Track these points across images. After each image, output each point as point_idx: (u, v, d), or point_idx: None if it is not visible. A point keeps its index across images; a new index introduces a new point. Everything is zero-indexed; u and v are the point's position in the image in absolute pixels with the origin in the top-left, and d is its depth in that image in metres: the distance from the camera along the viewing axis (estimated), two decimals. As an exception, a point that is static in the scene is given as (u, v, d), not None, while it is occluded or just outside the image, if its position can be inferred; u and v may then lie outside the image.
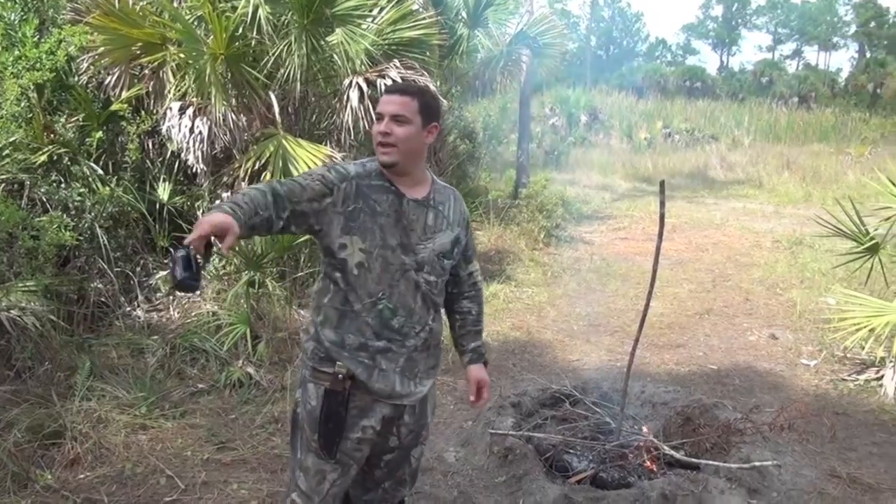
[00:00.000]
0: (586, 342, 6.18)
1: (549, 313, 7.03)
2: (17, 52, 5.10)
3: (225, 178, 5.87)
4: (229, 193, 5.61)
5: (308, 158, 5.63)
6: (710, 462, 3.73)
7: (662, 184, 3.66)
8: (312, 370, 2.35)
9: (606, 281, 8.25)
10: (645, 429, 4.12)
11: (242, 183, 5.56)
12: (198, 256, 1.91)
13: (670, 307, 7.14)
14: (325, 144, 6.10)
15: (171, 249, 1.92)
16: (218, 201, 2.13)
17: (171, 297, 5.58)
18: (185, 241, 1.91)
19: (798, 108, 30.00)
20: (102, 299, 5.23)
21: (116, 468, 3.71)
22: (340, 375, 2.28)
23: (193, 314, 5.32)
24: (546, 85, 24.82)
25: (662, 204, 3.67)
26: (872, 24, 47.87)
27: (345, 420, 2.32)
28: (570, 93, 25.63)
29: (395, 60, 6.25)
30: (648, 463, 3.83)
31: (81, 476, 3.63)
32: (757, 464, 3.69)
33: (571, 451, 3.96)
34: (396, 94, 2.29)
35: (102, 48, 5.72)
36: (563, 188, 12.67)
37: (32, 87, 5.19)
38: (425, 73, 6.42)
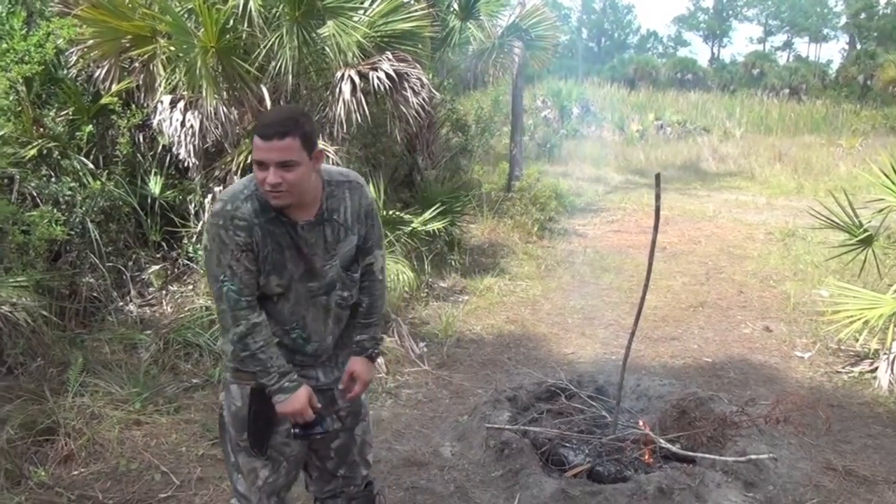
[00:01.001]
0: (581, 335, 6.18)
1: (544, 306, 7.02)
2: (4, 45, 5.03)
3: (217, 172, 5.84)
4: (221, 188, 5.56)
5: (301, 152, 5.59)
6: (707, 455, 3.74)
7: (658, 177, 3.64)
8: (234, 371, 2.34)
9: (600, 274, 8.25)
10: (641, 422, 4.12)
11: (235, 177, 5.52)
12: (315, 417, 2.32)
13: (664, 300, 7.14)
14: (318, 138, 6.04)
15: (296, 434, 2.34)
16: (262, 377, 2.26)
17: (163, 292, 5.54)
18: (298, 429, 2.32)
19: (789, 100, 30.01)
20: (94, 294, 5.19)
21: (111, 464, 3.69)
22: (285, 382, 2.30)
23: (186, 309, 5.28)
24: (538, 77, 24.79)
25: (658, 197, 3.64)
26: (863, 15, 47.86)
27: (272, 416, 2.33)
28: (562, 85, 25.56)
29: (388, 53, 6.21)
30: (645, 456, 3.83)
31: (75, 472, 3.60)
32: (753, 457, 3.69)
33: (568, 444, 3.95)
34: (276, 140, 2.10)
35: (91, 41, 5.66)
36: (556, 181, 12.64)
37: (21, 81, 5.13)
38: (417, 65, 6.38)
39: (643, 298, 3.81)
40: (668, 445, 3.84)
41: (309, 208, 2.28)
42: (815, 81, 33.86)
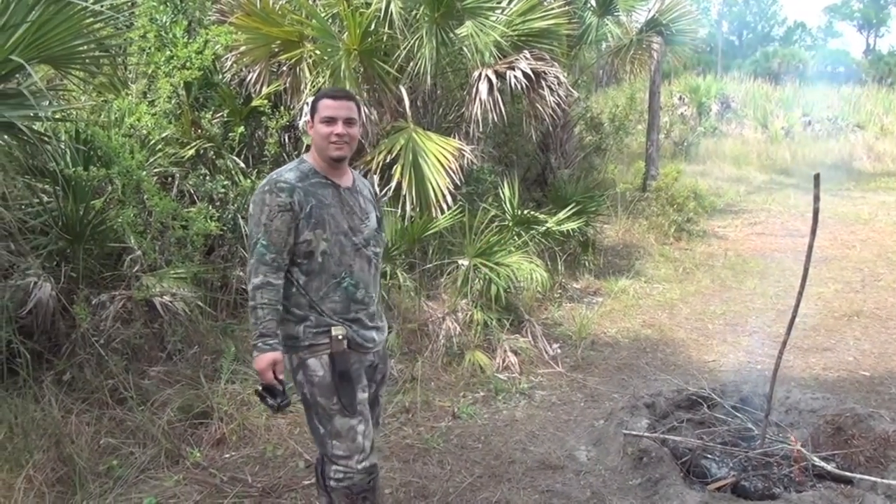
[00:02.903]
0: (723, 342, 5.90)
1: (682, 311, 6.77)
2: (168, 53, 5.40)
3: (357, 171, 6.00)
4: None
5: (437, 151, 5.67)
6: (866, 477, 3.47)
7: (817, 177, 3.41)
8: (308, 348, 2.61)
9: (742, 278, 7.86)
10: (791, 437, 3.88)
11: (374, 176, 5.66)
12: (273, 384, 2.54)
13: (815, 308, 6.70)
14: (454, 137, 6.11)
15: (258, 391, 2.57)
16: (253, 328, 2.53)
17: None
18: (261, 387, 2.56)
19: (957, 93, 27.43)
20: (243, 286, 5.46)
21: (258, 449, 3.88)
22: (340, 336, 2.60)
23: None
24: (675, 73, 23.94)
25: (817, 198, 3.41)
26: None
27: (352, 375, 2.64)
28: (700, 81, 24.56)
29: (525, 51, 6.18)
30: (796, 474, 3.60)
31: (227, 455, 3.82)
32: (921, 481, 3.39)
33: (710, 456, 3.79)
34: (345, 100, 2.65)
35: (244, 47, 5.98)
36: (694, 180, 12.15)
37: (182, 85, 5.48)
38: (555, 63, 6.31)
39: (797, 305, 3.58)
40: (823, 464, 3.60)
41: (345, 177, 2.72)
42: None
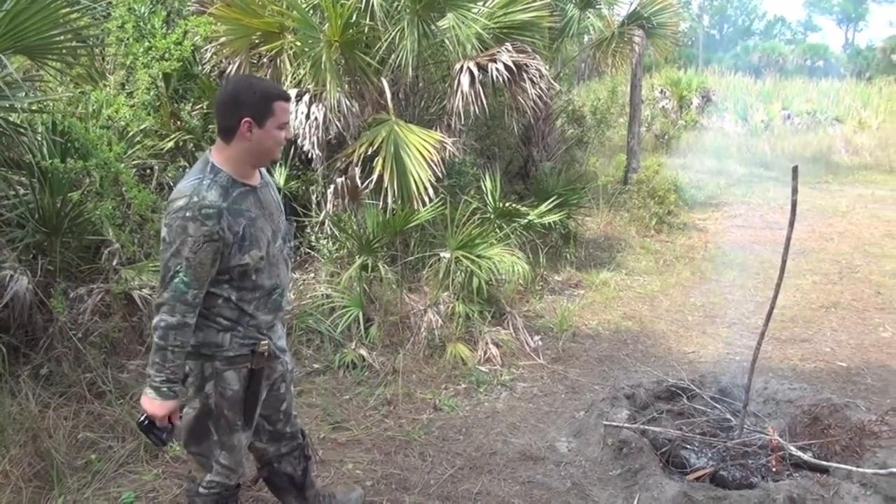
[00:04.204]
0: (702, 334, 5.96)
1: (662, 303, 6.81)
2: (146, 44, 5.34)
3: (338, 164, 5.98)
4: (343, 178, 5.69)
5: (419, 143, 5.66)
6: (842, 465, 3.51)
7: (795, 169, 3.44)
8: (229, 359, 2.47)
9: (722, 270, 7.92)
10: (769, 427, 3.93)
11: (356, 168, 5.64)
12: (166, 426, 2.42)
13: (793, 299, 6.77)
14: (435, 129, 6.10)
15: (143, 424, 2.41)
16: (154, 369, 2.36)
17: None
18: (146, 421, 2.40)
19: (934, 88, 27.75)
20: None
21: (238, 443, 3.85)
22: (265, 352, 2.51)
23: (308, 296, 5.45)
24: (656, 66, 24.02)
25: (795, 191, 3.44)
26: None
27: (259, 390, 2.56)
28: (681, 74, 24.66)
29: (507, 44, 6.17)
30: (773, 463, 3.65)
31: (207, 449, 3.78)
32: (895, 470, 3.44)
33: (689, 446, 3.83)
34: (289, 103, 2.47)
35: (224, 38, 5.93)
36: (675, 173, 12.20)
37: (161, 77, 5.43)
38: (537, 56, 6.31)
39: (775, 296, 3.62)
40: (799, 453, 3.63)
41: (256, 174, 2.50)
42: (964, 67, 31.19)
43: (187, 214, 2.24)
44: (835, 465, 3.53)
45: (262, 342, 2.50)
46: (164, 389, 2.34)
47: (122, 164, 4.52)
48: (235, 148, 2.38)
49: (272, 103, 2.36)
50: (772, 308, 3.66)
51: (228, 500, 2.71)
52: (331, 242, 5.84)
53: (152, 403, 2.35)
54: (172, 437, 2.49)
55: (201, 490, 2.66)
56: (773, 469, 3.63)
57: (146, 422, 2.39)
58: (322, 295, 5.40)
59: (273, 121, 2.36)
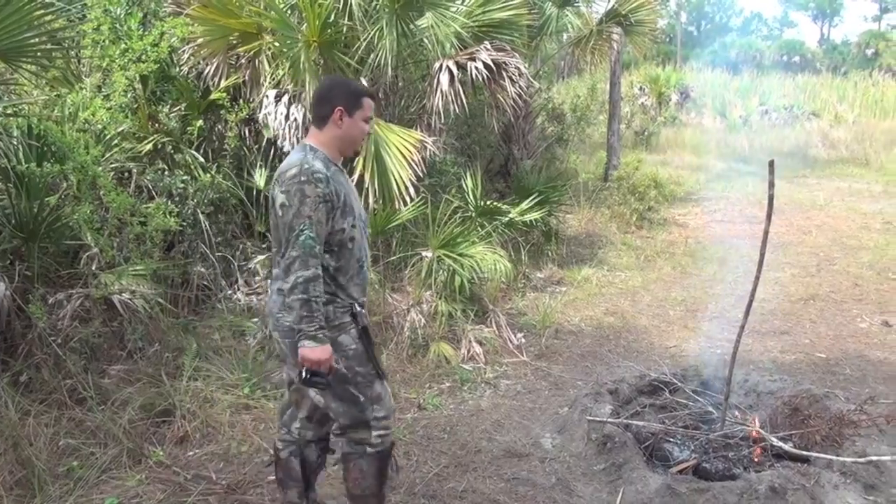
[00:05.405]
0: (684, 328, 6.00)
1: (644, 298, 6.86)
2: (123, 46, 5.29)
3: (318, 164, 5.95)
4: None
5: (399, 143, 5.65)
6: (822, 455, 3.57)
7: (772, 164, 3.48)
8: (337, 327, 2.67)
9: (702, 265, 7.99)
10: (750, 419, 3.97)
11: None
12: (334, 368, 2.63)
13: (772, 292, 6.84)
14: (416, 129, 6.10)
15: (307, 378, 2.55)
16: (306, 321, 2.53)
17: (268, 281, 5.71)
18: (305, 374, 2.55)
19: (907, 81, 28.09)
20: (205, 283, 5.40)
21: (223, 446, 3.84)
22: (364, 312, 2.77)
23: (290, 298, 5.42)
24: (635, 64, 24.17)
25: (772, 185, 3.49)
26: None
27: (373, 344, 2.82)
28: (659, 71, 24.81)
29: (486, 42, 6.18)
30: (755, 454, 3.69)
31: (190, 453, 3.77)
32: (874, 458, 3.49)
33: (672, 440, 3.86)
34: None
35: (202, 39, 5.88)
36: (655, 169, 12.29)
37: (138, 79, 5.38)
38: (516, 54, 6.32)
39: (754, 290, 3.66)
40: (780, 444, 3.69)
41: (340, 162, 2.80)
42: (937, 60, 31.61)
43: (302, 178, 2.52)
44: (815, 454, 3.59)
45: (356, 304, 2.73)
46: (321, 336, 2.52)
47: (100, 168, 4.48)
48: (327, 134, 2.70)
49: (361, 98, 2.71)
50: (751, 301, 3.70)
51: (388, 458, 2.91)
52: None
53: (314, 351, 2.51)
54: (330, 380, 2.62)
55: (369, 450, 2.83)
56: (755, 460, 3.67)
57: (308, 375, 2.54)
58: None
59: (360, 113, 2.70)
